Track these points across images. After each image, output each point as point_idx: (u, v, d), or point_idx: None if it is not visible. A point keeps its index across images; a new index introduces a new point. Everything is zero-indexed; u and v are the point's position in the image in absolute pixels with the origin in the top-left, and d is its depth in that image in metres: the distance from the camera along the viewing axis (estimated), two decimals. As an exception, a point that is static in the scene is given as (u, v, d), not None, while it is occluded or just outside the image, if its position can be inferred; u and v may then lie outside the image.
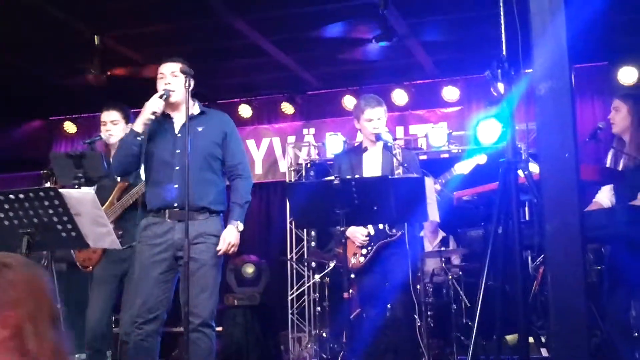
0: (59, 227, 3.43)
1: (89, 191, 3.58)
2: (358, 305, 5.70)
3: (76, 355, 5.85)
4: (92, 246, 3.58)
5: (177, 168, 4.27)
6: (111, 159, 4.84)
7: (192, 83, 4.34)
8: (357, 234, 4.96)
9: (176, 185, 4.22)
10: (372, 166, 5.08)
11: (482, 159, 5.41)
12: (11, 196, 3.39)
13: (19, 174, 9.86)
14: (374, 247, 4.91)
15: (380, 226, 4.97)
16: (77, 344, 5.61)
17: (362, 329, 4.93)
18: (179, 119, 4.40)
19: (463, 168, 5.38)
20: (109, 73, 8.12)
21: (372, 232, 4.94)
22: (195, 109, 4.46)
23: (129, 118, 5.14)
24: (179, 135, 4.34)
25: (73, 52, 7.73)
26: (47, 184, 5.05)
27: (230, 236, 4.38)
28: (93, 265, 4.88)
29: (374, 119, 5.05)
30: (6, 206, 3.40)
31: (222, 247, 4.35)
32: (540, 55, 3.19)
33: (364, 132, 5.17)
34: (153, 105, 4.27)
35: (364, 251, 4.98)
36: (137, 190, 4.83)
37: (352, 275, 5.14)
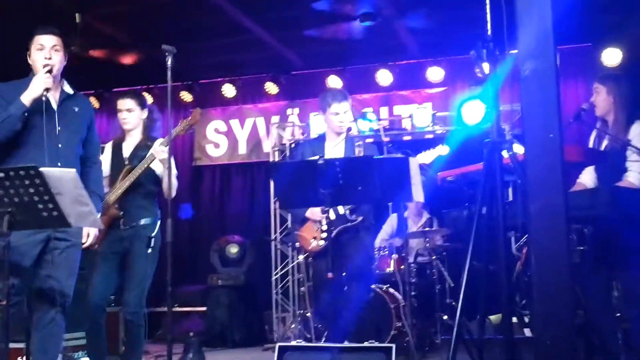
0: (40, 206, 3.40)
1: (70, 170, 3.53)
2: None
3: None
4: (73, 225, 3.55)
5: (60, 146, 4.17)
6: (123, 145, 5.07)
7: (67, 58, 4.29)
8: (316, 211, 5.00)
9: (60, 164, 4.05)
10: (334, 154, 5.10)
11: (444, 149, 5.43)
12: (-8, 175, 3.35)
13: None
14: (334, 232, 4.92)
15: (341, 211, 5.02)
16: (73, 323, 5.64)
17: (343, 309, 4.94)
18: (52, 94, 4.24)
19: (425, 158, 5.39)
20: (89, 53, 8.05)
21: (333, 217, 4.96)
22: (67, 87, 4.36)
23: (144, 105, 5.19)
24: (58, 112, 4.23)
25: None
26: None
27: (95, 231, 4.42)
28: (98, 243, 4.93)
29: (340, 112, 5.13)
30: (-14, 185, 3.36)
31: (89, 242, 4.41)
32: (525, 36, 3.18)
33: (329, 125, 5.23)
34: (45, 81, 4.07)
35: (323, 235, 5.00)
36: (138, 172, 4.91)
37: (310, 258, 5.28)
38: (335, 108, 5.11)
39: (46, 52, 4.16)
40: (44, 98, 4.05)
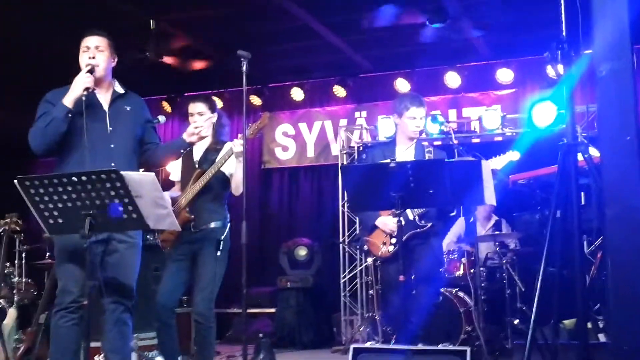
0: (120, 208, 3.49)
1: (149, 173, 3.61)
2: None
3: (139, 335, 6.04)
4: (152, 227, 3.63)
5: (113, 146, 4.20)
6: (193, 148, 5.08)
7: (116, 59, 4.30)
8: (389, 222, 5.00)
9: (113, 164, 4.01)
10: (404, 158, 5.08)
11: (515, 155, 5.33)
12: (74, 178, 3.46)
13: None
14: (404, 238, 4.92)
15: (411, 217, 5.03)
16: (142, 323, 5.79)
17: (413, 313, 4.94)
18: (103, 95, 4.29)
19: (496, 164, 5.32)
20: (163, 58, 8.23)
21: (403, 223, 4.96)
22: (118, 87, 4.38)
23: (214, 109, 5.24)
24: (109, 112, 4.26)
25: (128, 37, 7.85)
26: None
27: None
28: (170, 246, 5.07)
29: (417, 117, 5.09)
30: (69, 188, 3.47)
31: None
32: (600, 36, 3.14)
33: (403, 129, 5.17)
34: (85, 81, 4.08)
35: (393, 240, 5.00)
36: (208, 176, 4.98)
37: (378, 262, 5.29)
38: (413, 112, 5.08)
39: (90, 52, 4.19)
40: (83, 98, 4.05)
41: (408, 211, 5.02)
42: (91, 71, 4.10)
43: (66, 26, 7.03)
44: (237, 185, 4.95)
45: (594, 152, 3.71)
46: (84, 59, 4.18)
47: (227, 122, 5.40)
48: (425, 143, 5.37)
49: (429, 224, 5.04)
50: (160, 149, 4.47)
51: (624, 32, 3.04)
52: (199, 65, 9.34)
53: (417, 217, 5.04)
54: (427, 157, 5.07)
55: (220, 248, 4.99)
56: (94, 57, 4.16)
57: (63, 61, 4.91)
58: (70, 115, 4.04)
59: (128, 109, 4.33)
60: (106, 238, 4.10)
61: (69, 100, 4.04)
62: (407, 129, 5.13)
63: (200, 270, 5.00)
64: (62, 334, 4.03)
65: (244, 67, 4.39)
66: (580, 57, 3.50)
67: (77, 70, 4.15)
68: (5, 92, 8.97)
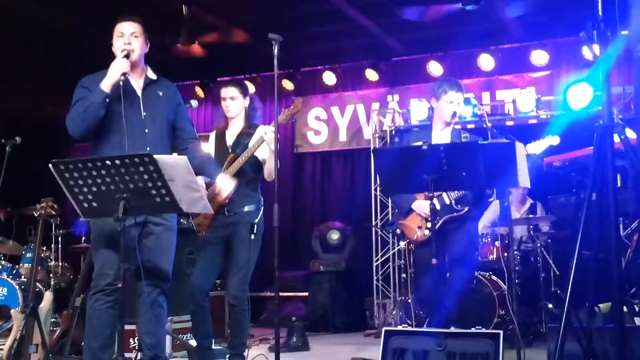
0: (154, 192, 3.52)
1: (182, 157, 3.63)
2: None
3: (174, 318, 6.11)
4: (185, 210, 3.65)
5: (147, 131, 4.23)
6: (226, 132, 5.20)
7: (148, 45, 4.34)
8: (425, 205, 4.98)
9: (148, 148, 4.07)
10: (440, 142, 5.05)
11: (554, 140, 5.26)
12: (107, 162, 3.49)
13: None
14: (439, 221, 4.89)
15: (447, 201, 5.02)
16: (176, 306, 5.85)
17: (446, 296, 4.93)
18: (136, 81, 4.31)
19: (535, 148, 5.25)
20: (197, 42, 8.25)
21: (438, 207, 4.93)
22: (150, 73, 4.40)
23: (246, 93, 5.28)
24: (142, 98, 4.28)
25: (161, 23, 7.88)
26: None
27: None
28: (205, 229, 5.13)
29: (455, 102, 5.07)
30: (103, 172, 3.50)
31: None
32: (637, 15, 3.08)
33: (440, 113, 5.15)
34: (122, 66, 4.09)
35: (428, 224, 4.99)
36: (241, 161, 5.02)
37: (411, 245, 5.21)
38: (452, 96, 5.06)
39: (125, 38, 4.21)
40: (121, 83, 4.09)
41: (444, 195, 5.01)
42: (127, 56, 4.13)
43: (98, 13, 7.10)
44: (270, 172, 4.97)
45: (630, 133, 3.65)
46: (118, 44, 4.22)
47: (259, 105, 5.42)
48: (458, 126, 5.33)
49: (466, 209, 5.03)
50: (199, 163, 4.41)
51: (662, 11, 2.98)
52: (230, 50, 9.35)
53: (453, 202, 5.03)
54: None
55: (254, 232, 5.04)
56: (129, 43, 4.20)
57: (97, 48, 4.95)
58: (107, 100, 4.08)
59: (160, 94, 4.36)
60: (142, 221, 4.15)
61: (106, 85, 4.07)
62: (443, 113, 5.11)
63: (235, 253, 5.05)
64: (98, 317, 4.09)
65: (276, 50, 4.38)
66: (616, 37, 3.43)
67: (110, 56, 4.18)
68: (38, 79, 9.06)
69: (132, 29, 4.23)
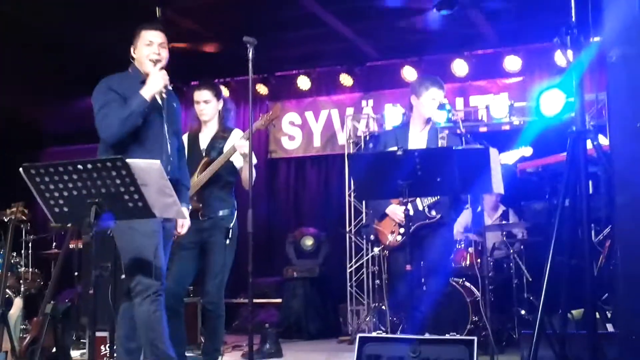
0: (126, 197, 3.46)
1: (155, 161, 3.59)
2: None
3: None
4: (158, 216, 3.62)
5: (169, 142, 4.25)
6: (200, 135, 5.19)
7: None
8: (398, 211, 4.98)
9: (171, 159, 4.18)
10: (417, 143, 5.06)
11: (527, 151, 5.29)
12: (79, 166, 3.42)
13: (84, 145, 10.03)
14: (412, 227, 4.88)
15: (420, 207, 5.01)
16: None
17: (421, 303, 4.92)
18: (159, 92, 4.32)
19: (508, 159, 5.28)
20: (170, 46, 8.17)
21: (411, 212, 4.92)
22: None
23: (220, 95, 5.25)
24: (163, 108, 4.29)
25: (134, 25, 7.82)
26: None
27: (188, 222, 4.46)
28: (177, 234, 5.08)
29: (437, 99, 5.04)
30: (74, 176, 3.44)
31: (184, 232, 4.45)
32: (611, 21, 3.10)
33: (420, 110, 5.11)
34: (165, 78, 4.15)
35: (401, 230, 4.98)
36: (218, 165, 5.00)
37: (386, 251, 5.30)
38: (434, 94, 5.02)
39: (155, 47, 4.21)
40: (161, 94, 4.16)
41: (418, 201, 5.00)
42: (161, 68, 4.16)
43: (77, 14, 7.03)
44: (245, 182, 4.94)
45: (603, 140, 3.67)
46: (146, 52, 4.22)
47: (232, 107, 5.40)
48: (440, 128, 5.33)
49: (439, 215, 5.02)
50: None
51: (635, 17, 3.00)
52: (205, 53, 9.30)
53: (426, 208, 5.02)
54: (440, 143, 5.03)
55: (230, 236, 5.01)
56: (159, 53, 4.20)
57: (75, 51, 4.90)
58: (146, 110, 4.10)
59: (175, 105, 4.38)
60: None
61: (148, 95, 4.08)
62: (423, 109, 5.07)
63: (210, 258, 5.03)
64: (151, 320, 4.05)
65: (250, 54, 4.36)
66: (589, 43, 3.45)
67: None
68: (12, 82, 8.94)
69: (160, 39, 4.25)
